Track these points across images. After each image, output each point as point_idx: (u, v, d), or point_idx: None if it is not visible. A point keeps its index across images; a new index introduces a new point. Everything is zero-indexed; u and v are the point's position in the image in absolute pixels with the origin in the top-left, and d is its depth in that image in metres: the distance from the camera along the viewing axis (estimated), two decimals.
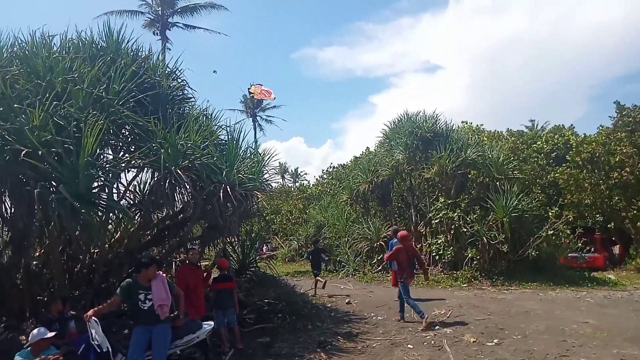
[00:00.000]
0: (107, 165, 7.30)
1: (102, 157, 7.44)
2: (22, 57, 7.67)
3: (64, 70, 7.27)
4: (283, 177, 69.18)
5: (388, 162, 19.27)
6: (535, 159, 22.87)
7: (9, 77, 7.06)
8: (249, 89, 23.03)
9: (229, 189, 7.87)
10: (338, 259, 19.85)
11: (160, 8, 35.25)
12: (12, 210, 7.53)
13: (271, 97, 22.61)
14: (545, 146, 24.42)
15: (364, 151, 27.34)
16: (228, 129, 8.88)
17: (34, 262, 8.32)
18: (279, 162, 52.18)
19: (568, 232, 16.35)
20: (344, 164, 32.69)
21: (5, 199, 7.52)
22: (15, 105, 6.45)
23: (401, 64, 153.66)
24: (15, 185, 6.61)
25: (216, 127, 8.89)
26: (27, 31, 8.20)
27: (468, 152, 17.85)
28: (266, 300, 10.06)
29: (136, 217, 9.07)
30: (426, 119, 19.34)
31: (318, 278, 13.95)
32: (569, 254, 17.12)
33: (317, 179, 37.92)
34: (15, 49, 7.96)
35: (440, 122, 19.39)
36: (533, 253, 15.40)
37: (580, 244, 16.88)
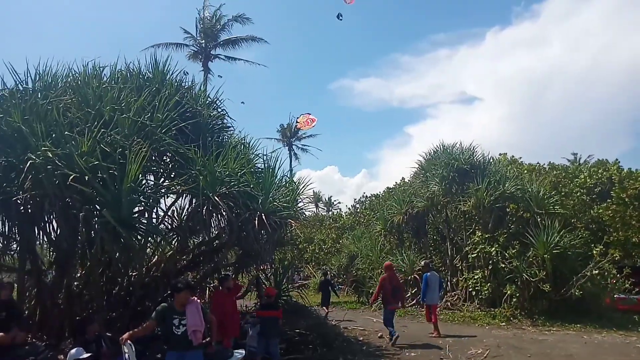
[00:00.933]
0: (148, 191, 7.48)
1: (144, 182, 7.61)
2: (75, 87, 8.07)
3: (112, 99, 7.58)
4: (317, 206, 69.10)
5: (423, 194, 18.97)
6: (578, 194, 22.00)
7: (62, 106, 7.44)
8: (297, 119, 23.74)
9: (264, 217, 7.94)
10: (371, 291, 19.48)
11: (203, 41, 36.58)
12: (58, 232, 7.76)
13: (313, 125, 23.19)
14: (588, 181, 23.45)
15: (399, 182, 26.93)
16: (264, 157, 9.00)
17: (75, 283, 8.52)
18: (313, 191, 52.65)
19: (614, 271, 15.50)
20: (377, 194, 32.37)
21: (52, 221, 7.76)
22: (66, 133, 6.75)
23: (437, 95, 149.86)
24: (62, 208, 6.85)
25: (253, 155, 9.04)
26: (80, 62, 8.70)
27: (506, 185, 17.38)
28: (297, 331, 9.94)
29: (174, 241, 9.22)
30: (463, 150, 19.09)
31: (323, 307, 15.01)
32: (616, 295, 16.19)
33: (350, 208, 37.77)
34: (69, 79, 8.38)
35: (477, 154, 19.13)
36: (577, 293, 14.64)
37: (628, 285, 15.95)
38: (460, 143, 19.39)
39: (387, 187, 29.01)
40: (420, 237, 20.01)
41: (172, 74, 8.84)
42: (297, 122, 24.59)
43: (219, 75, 36.29)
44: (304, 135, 57.99)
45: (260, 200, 8.15)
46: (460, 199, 18.11)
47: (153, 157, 7.77)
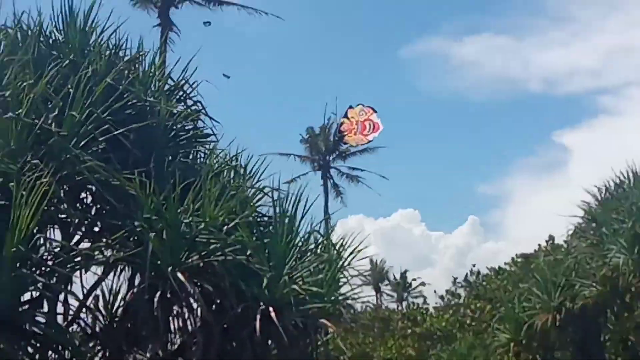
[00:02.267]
0: (49, 260, 5.03)
1: (41, 243, 5.06)
2: None
3: None
4: (378, 291, 43.44)
5: (596, 270, 11.73)
6: None
7: None
8: (341, 121, 17.02)
9: (272, 313, 5.07)
10: None
11: None
12: None
13: (371, 136, 17.25)
14: None
15: (544, 245, 16.89)
16: (276, 194, 5.73)
17: None
18: (372, 261, 31.86)
19: None
20: (501, 269, 19.97)
21: None
22: None
23: (622, 70, 78.50)
24: None
25: (254, 190, 5.93)
26: None
27: None
28: None
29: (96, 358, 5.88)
30: None
31: None
32: None
33: (445, 297, 22.55)
34: None
35: None
36: None
37: None
38: None
39: (520, 255, 18.43)
40: (591, 356, 12.66)
41: (101, 33, 5.66)
42: (341, 126, 18.47)
43: (205, 22, 22.74)
44: (352, 151, 32.20)
45: (265, 281, 5.19)
46: None
47: (62, 194, 5.15)
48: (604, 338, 12.29)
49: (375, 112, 18.42)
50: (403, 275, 43.18)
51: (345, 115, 18.42)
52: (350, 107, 17.62)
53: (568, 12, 74.84)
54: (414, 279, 43.35)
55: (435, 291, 22.60)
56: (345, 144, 27.92)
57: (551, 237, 16.32)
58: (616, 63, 79.36)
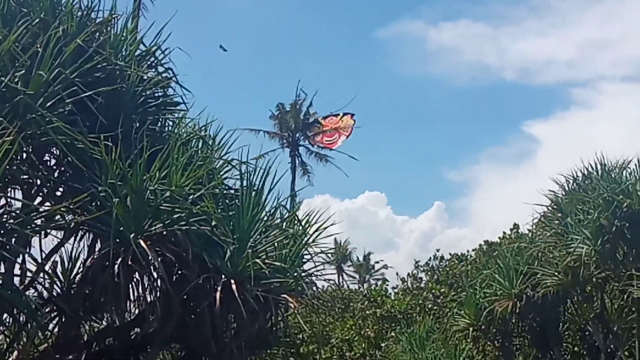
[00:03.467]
0: (9, 221, 4.80)
1: (1, 203, 4.96)
2: None
3: None
4: (341, 271, 41.87)
5: (558, 260, 11.44)
6: None
7: None
8: (317, 119, 17.44)
9: (234, 286, 4.96)
10: None
11: None
12: None
13: (341, 139, 17.55)
14: None
15: (508, 233, 16.82)
16: (243, 166, 5.60)
17: None
18: (336, 240, 31.83)
19: None
20: (464, 255, 19.44)
21: None
22: None
23: (596, 62, 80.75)
24: None
25: (221, 161, 5.74)
26: None
27: None
28: None
29: (53, 325, 5.83)
30: None
31: None
32: None
33: (406, 279, 20.90)
34: None
35: None
36: None
37: None
38: (638, 161, 11.49)
39: (485, 242, 18.07)
40: (549, 344, 12.63)
41: None
42: (320, 122, 18.39)
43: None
44: (320, 129, 31.60)
45: (229, 253, 5.04)
46: (632, 273, 10.85)
47: (24, 155, 4.99)
48: (563, 327, 12.40)
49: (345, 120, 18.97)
50: (366, 257, 42.82)
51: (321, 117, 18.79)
52: (332, 115, 17.81)
53: (547, 2, 75.70)
54: (377, 262, 43.04)
55: (397, 274, 21.19)
56: (318, 144, 28.13)
57: (516, 226, 16.17)
58: (591, 56, 79.38)
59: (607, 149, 11.70)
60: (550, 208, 12.29)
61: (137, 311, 5.72)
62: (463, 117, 68.82)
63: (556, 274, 11.11)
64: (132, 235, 4.64)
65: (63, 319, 5.47)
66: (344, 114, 24.21)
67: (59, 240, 5.25)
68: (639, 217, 10.31)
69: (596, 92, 75.73)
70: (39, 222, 4.89)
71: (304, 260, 5.46)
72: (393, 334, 15.68)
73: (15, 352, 5.60)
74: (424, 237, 57.12)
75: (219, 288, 4.77)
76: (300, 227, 5.39)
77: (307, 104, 29.24)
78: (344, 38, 72.45)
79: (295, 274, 5.12)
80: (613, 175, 11.08)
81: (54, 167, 5.16)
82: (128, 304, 5.30)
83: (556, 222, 11.86)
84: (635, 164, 11.17)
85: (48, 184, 5.10)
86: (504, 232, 16.80)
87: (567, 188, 12.07)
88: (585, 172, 11.72)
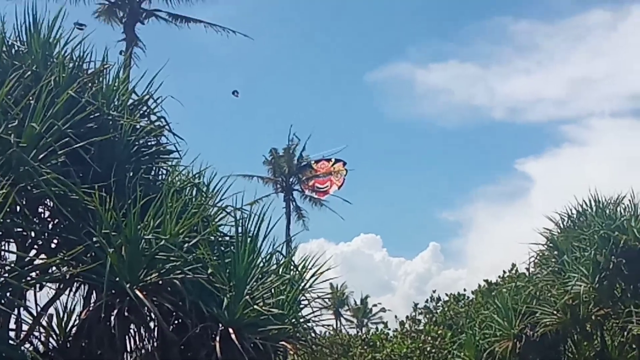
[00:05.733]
0: (3, 274, 4.73)
1: None
2: None
3: None
4: (338, 316, 42.07)
5: (556, 298, 11.18)
6: None
7: None
8: (309, 163, 17.35)
9: (232, 334, 4.83)
10: None
11: None
12: None
13: (337, 185, 17.46)
14: None
15: (506, 273, 16.68)
16: (238, 213, 5.49)
17: None
18: (331, 285, 30.67)
19: None
20: (462, 295, 19.15)
21: None
22: None
23: (586, 100, 79.96)
24: None
25: (216, 209, 5.68)
26: None
27: None
28: None
29: None
30: (638, 212, 11.15)
31: None
32: None
33: (405, 322, 20.32)
34: None
35: None
36: None
37: None
38: (632, 197, 11.14)
39: (486, 281, 17.61)
40: None
41: (65, 45, 5.34)
42: (312, 166, 18.40)
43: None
44: (314, 174, 31.77)
45: (226, 301, 4.96)
46: (631, 310, 10.47)
47: (18, 207, 4.86)
48: None
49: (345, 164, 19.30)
50: (364, 300, 42.59)
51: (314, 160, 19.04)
52: (325, 159, 18.03)
53: (533, 41, 73.61)
54: (375, 305, 42.74)
55: (396, 316, 20.42)
56: (311, 188, 28.38)
57: (514, 267, 16.04)
58: (579, 93, 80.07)
59: (599, 185, 11.53)
60: (546, 246, 12.08)
61: None
62: (455, 157, 68.38)
63: (555, 312, 10.87)
64: (128, 285, 4.52)
65: None
66: (336, 160, 24.49)
67: (54, 292, 5.13)
68: (636, 253, 10.13)
69: (586, 129, 74.79)
70: (33, 274, 4.81)
71: (301, 305, 5.35)
72: None
73: None
74: (420, 279, 56.09)
75: (218, 336, 4.65)
76: (297, 273, 5.30)
77: (301, 148, 29.55)
78: (336, 80, 72.53)
79: (293, 320, 5.03)
80: (608, 212, 10.80)
81: (48, 219, 5.07)
82: (125, 356, 5.17)
83: (553, 260, 11.63)
84: (629, 200, 10.90)
85: (42, 236, 5.01)
86: (504, 271, 16.55)
87: (562, 225, 11.83)
88: (580, 209, 11.53)
